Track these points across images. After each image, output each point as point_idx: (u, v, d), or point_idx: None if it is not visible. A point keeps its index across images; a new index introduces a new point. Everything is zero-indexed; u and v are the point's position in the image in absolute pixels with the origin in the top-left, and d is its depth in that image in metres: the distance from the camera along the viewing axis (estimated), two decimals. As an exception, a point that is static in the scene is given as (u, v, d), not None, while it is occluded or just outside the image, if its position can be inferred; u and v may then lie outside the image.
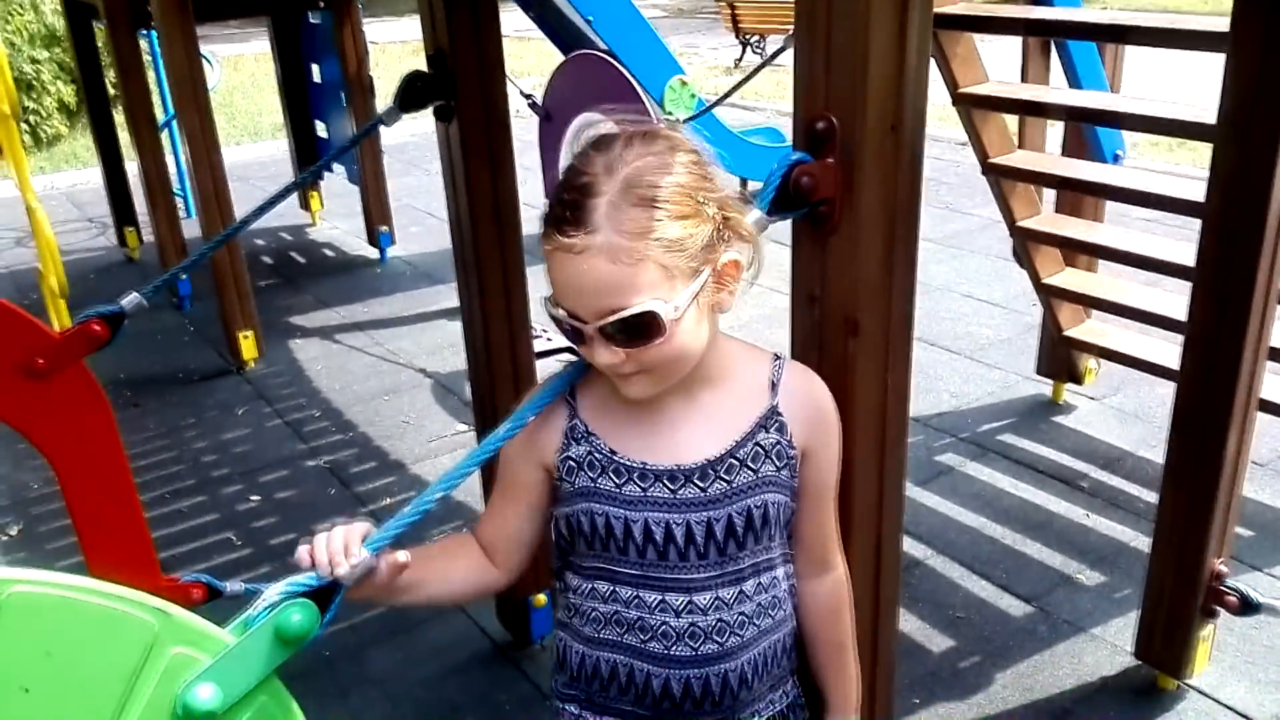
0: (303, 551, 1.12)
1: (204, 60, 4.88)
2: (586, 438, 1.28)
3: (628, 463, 1.27)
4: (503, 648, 2.65)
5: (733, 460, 1.27)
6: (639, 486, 1.26)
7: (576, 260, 1.12)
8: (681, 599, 1.28)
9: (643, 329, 1.14)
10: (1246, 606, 2.24)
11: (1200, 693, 2.38)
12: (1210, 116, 2.06)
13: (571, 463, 1.28)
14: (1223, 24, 2.01)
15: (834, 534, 1.41)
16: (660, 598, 1.28)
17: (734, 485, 1.27)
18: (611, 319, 1.13)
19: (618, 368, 1.18)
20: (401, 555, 1.20)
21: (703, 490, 1.26)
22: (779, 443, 1.30)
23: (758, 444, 1.29)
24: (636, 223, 1.11)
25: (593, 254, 1.11)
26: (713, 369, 1.28)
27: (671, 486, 1.26)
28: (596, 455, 1.27)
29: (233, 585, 2.24)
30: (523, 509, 1.35)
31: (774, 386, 1.31)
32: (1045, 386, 3.81)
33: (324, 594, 1.10)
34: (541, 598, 2.56)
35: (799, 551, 1.39)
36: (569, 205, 1.13)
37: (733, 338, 1.34)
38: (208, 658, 1.05)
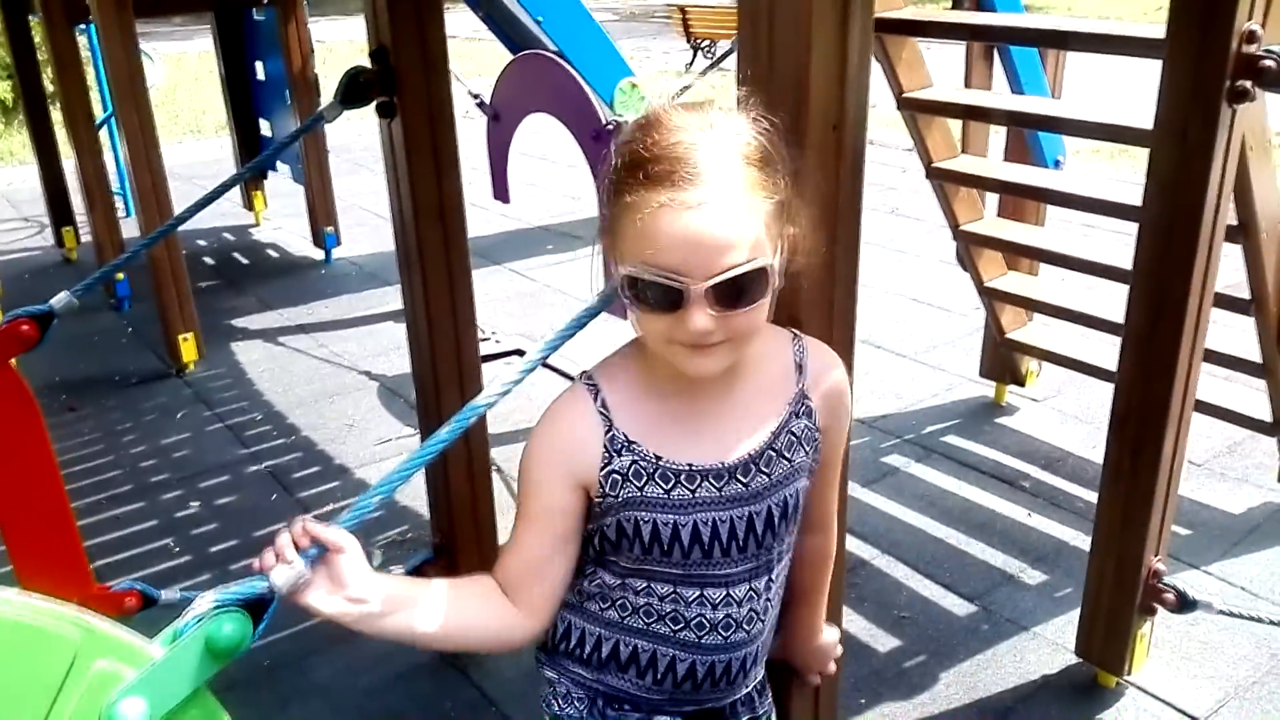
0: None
1: (144, 57, 4.78)
2: (629, 447, 1.23)
3: (674, 466, 1.24)
4: (447, 654, 2.61)
5: (771, 452, 1.28)
6: (687, 489, 1.24)
7: (688, 216, 1.06)
8: (720, 593, 1.29)
9: (752, 288, 1.11)
10: (1184, 604, 2.28)
11: (1139, 689, 2.42)
12: (1148, 122, 2.09)
13: (616, 476, 1.23)
14: (1160, 31, 2.04)
15: (835, 500, 1.46)
16: (699, 593, 1.29)
17: (773, 477, 1.28)
18: (727, 275, 1.08)
19: (709, 336, 1.11)
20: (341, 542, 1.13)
21: (745, 485, 1.26)
22: (808, 427, 1.31)
23: (791, 432, 1.29)
24: (749, 180, 1.10)
25: (707, 209, 1.06)
26: (753, 353, 1.25)
27: (717, 485, 1.25)
28: (641, 464, 1.23)
29: (168, 593, 2.19)
30: (554, 540, 1.26)
31: (800, 368, 1.31)
32: (988, 388, 3.86)
33: (257, 605, 1.07)
34: (487, 602, 2.53)
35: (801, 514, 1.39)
36: (676, 160, 1.08)
37: None
38: (134, 671, 1.02)
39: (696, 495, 1.25)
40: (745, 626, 1.32)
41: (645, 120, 1.14)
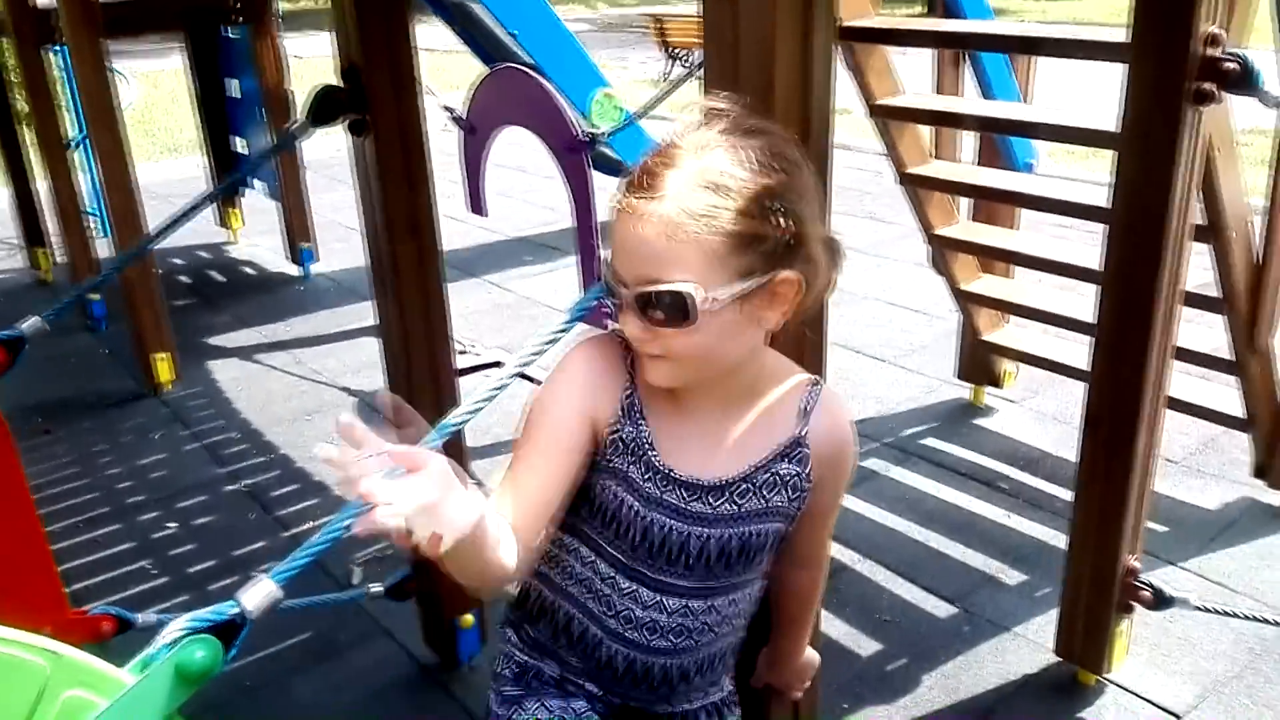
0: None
1: (118, 76, 4.76)
2: (639, 420, 1.26)
3: (657, 461, 1.27)
4: (429, 670, 2.60)
5: (747, 485, 1.28)
6: (658, 488, 1.27)
7: (634, 223, 1.13)
8: (652, 596, 1.31)
9: (673, 309, 1.13)
10: (1160, 601, 2.30)
11: (1119, 687, 2.43)
12: (1115, 125, 2.11)
13: (619, 442, 1.26)
14: (1124, 36, 2.06)
15: (828, 541, 1.48)
16: (634, 588, 1.31)
17: (741, 510, 1.28)
18: (646, 289, 1.13)
19: (644, 345, 1.18)
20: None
21: (711, 508, 1.28)
22: (797, 474, 1.30)
23: (776, 473, 1.29)
24: (700, 204, 1.11)
25: (650, 221, 1.12)
26: (750, 383, 1.28)
27: (685, 497, 1.27)
28: (639, 443, 1.26)
29: (145, 616, 2.17)
30: (563, 469, 1.23)
31: (804, 414, 1.31)
32: (966, 390, 3.88)
33: (228, 629, 1.07)
34: (469, 618, 2.52)
35: (789, 549, 1.40)
36: (647, 170, 1.14)
37: (780, 355, 1.34)
38: (105, 700, 1.01)
39: (663, 498, 1.27)
40: (670, 637, 1.33)
41: (665, 139, 1.19)
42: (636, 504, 1.27)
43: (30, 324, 1.84)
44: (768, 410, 1.29)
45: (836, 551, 2.98)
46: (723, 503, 1.28)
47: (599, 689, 1.40)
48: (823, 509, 1.38)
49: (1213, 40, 1.91)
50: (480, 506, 1.01)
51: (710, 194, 1.11)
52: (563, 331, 1.42)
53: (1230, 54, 1.91)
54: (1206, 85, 1.92)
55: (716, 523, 1.28)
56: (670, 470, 1.26)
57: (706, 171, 1.12)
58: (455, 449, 2.39)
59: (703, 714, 1.45)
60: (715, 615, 1.34)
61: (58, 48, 5.35)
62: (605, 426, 1.26)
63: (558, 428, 1.24)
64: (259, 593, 1.08)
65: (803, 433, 1.30)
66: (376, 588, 2.51)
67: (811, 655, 1.64)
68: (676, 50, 12.94)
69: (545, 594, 1.39)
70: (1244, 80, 1.90)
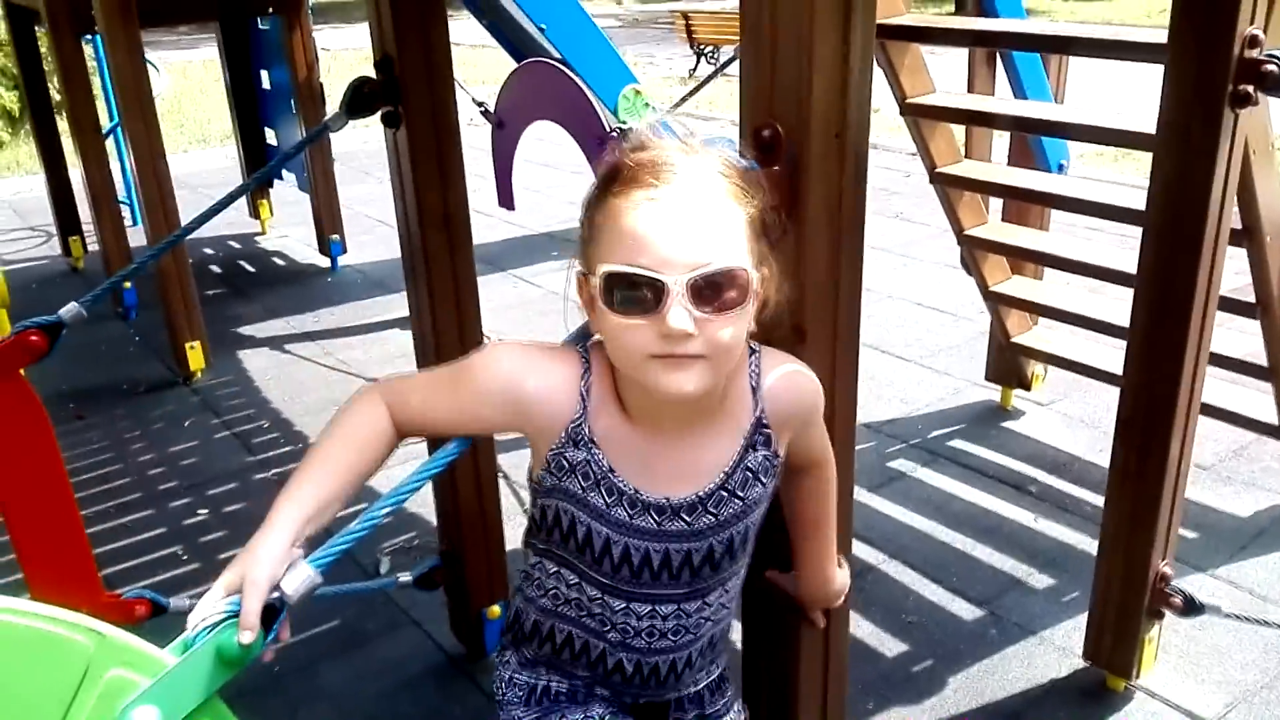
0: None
1: (150, 66, 4.80)
2: (589, 445, 1.21)
3: (621, 485, 1.22)
4: (456, 660, 2.62)
5: (723, 492, 1.25)
6: (627, 512, 1.23)
7: (673, 210, 1.08)
8: (646, 608, 1.30)
9: (731, 290, 1.09)
10: (1191, 608, 2.28)
11: (1148, 693, 2.42)
12: (1151, 126, 2.09)
13: (564, 462, 1.22)
14: (1162, 36, 2.04)
15: (827, 443, 1.41)
16: (625, 605, 1.29)
17: (720, 518, 1.26)
18: (705, 270, 1.07)
19: (685, 344, 1.08)
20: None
21: (689, 525, 1.24)
22: (766, 458, 1.27)
23: (747, 468, 1.26)
24: (731, 188, 1.13)
25: (696, 204, 1.09)
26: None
27: (658, 519, 1.23)
28: (593, 467, 1.21)
29: (178, 601, 2.19)
30: (461, 429, 1.28)
31: (754, 392, 1.26)
32: (994, 392, 3.86)
33: (266, 612, 1.08)
34: (496, 609, 2.54)
35: (788, 469, 1.36)
36: (658, 165, 1.11)
37: None
38: (146, 679, 1.02)
39: (634, 522, 1.23)
40: (670, 637, 1.32)
41: (630, 142, 1.16)
42: (607, 531, 1.23)
43: (68, 310, 1.87)
44: (726, 408, 1.24)
45: (862, 551, 2.98)
46: (699, 516, 1.24)
47: (610, 692, 1.40)
48: (809, 451, 1.36)
49: (1252, 41, 1.89)
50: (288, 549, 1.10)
51: (729, 181, 1.13)
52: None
53: (1271, 55, 1.89)
54: (1245, 87, 1.90)
55: (696, 536, 1.25)
56: (637, 492, 1.22)
57: (716, 161, 1.14)
58: (485, 443, 2.40)
59: (706, 693, 1.46)
60: (709, 608, 1.33)
61: (93, 37, 5.42)
62: (544, 443, 1.22)
63: (480, 393, 1.22)
64: (297, 577, 1.09)
65: (760, 413, 1.25)
66: (405, 577, 2.52)
67: (843, 578, 1.55)
68: (703, 47, 12.92)
69: (539, 617, 1.38)
70: (1285, 82, 1.88)
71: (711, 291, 1.08)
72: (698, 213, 1.09)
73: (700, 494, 1.24)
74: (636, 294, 1.08)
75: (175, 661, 1.03)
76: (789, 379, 1.29)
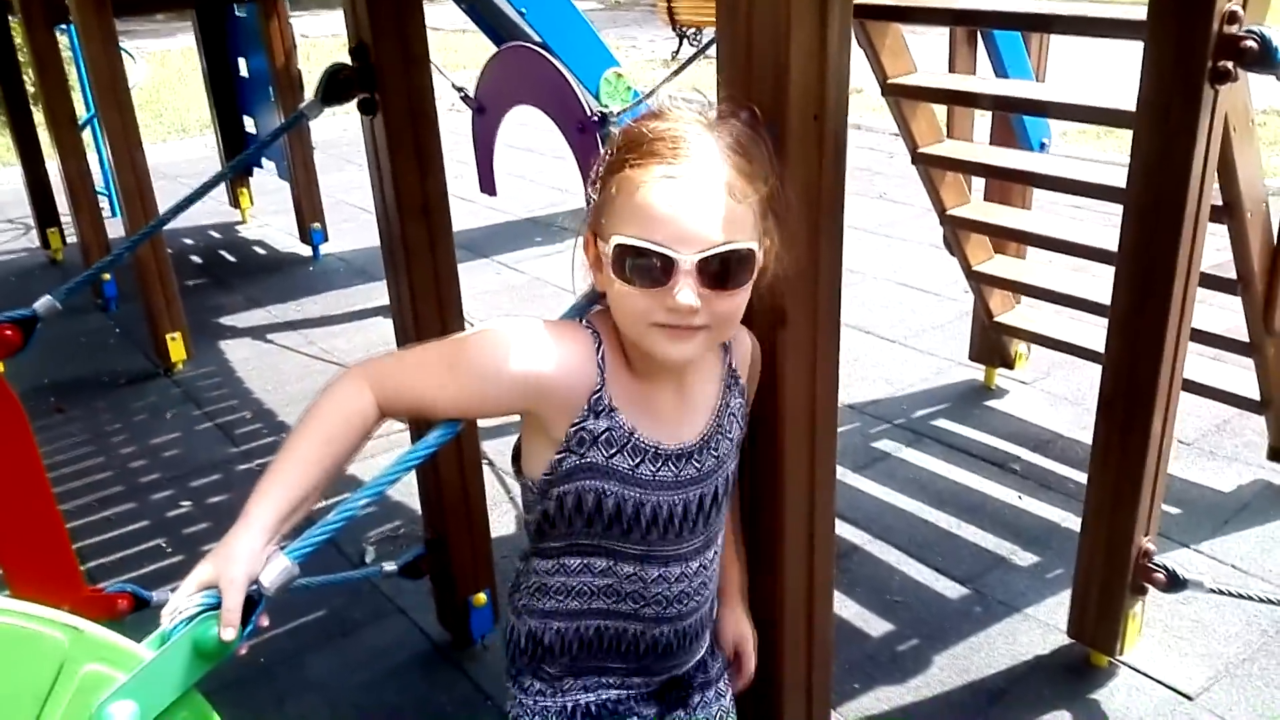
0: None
1: (126, 55, 4.75)
2: (610, 413, 1.22)
3: (644, 443, 1.25)
4: (443, 648, 2.62)
5: (718, 433, 1.31)
6: (651, 468, 1.26)
7: (690, 188, 1.11)
8: (677, 569, 1.33)
9: (739, 269, 1.14)
10: (1174, 583, 2.29)
11: (1132, 668, 2.43)
12: (1132, 104, 2.09)
13: (585, 435, 1.22)
14: (1142, 13, 2.04)
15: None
16: (660, 571, 1.32)
17: (719, 456, 1.32)
18: (716, 250, 1.11)
19: (691, 317, 1.13)
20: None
21: (699, 469, 1.30)
22: (740, 403, 1.35)
23: (730, 410, 1.33)
24: (748, 166, 1.14)
25: (710, 185, 1.11)
26: None
27: (677, 468, 1.28)
28: (616, 432, 1.23)
29: (160, 594, 2.18)
30: (459, 403, 1.22)
31: (724, 345, 1.33)
32: (978, 371, 3.87)
33: (244, 605, 1.07)
34: (482, 597, 2.53)
35: None
36: (677, 139, 1.12)
37: None
38: (123, 674, 1.01)
39: (658, 476, 1.27)
40: (697, 597, 1.37)
41: (650, 110, 1.19)
42: (635, 494, 1.25)
43: (43, 303, 1.85)
44: (706, 357, 1.30)
45: (847, 531, 2.99)
46: (705, 458, 1.30)
47: (642, 679, 1.40)
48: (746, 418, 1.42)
49: (1231, 17, 1.89)
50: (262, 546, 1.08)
51: (746, 160, 1.15)
52: (583, 308, 1.36)
53: (1249, 31, 1.89)
54: (1225, 63, 1.90)
55: (706, 479, 1.31)
56: (658, 445, 1.26)
57: (733, 139, 1.16)
58: (469, 430, 2.40)
59: (708, 656, 1.48)
60: (714, 561, 1.39)
61: (67, 27, 5.36)
62: (562, 421, 1.22)
63: (489, 373, 1.19)
64: (275, 569, 1.08)
65: (731, 362, 1.34)
66: (390, 566, 2.52)
67: (747, 624, 1.56)
68: (685, 29, 12.86)
69: (560, 626, 1.35)
70: (1263, 58, 1.88)
71: (720, 270, 1.12)
72: (712, 193, 1.12)
73: (703, 436, 1.30)
74: (647, 265, 1.12)
75: (152, 656, 1.02)
76: (742, 331, 1.37)
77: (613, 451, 1.24)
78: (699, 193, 1.11)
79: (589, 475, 1.24)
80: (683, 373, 1.27)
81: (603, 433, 1.23)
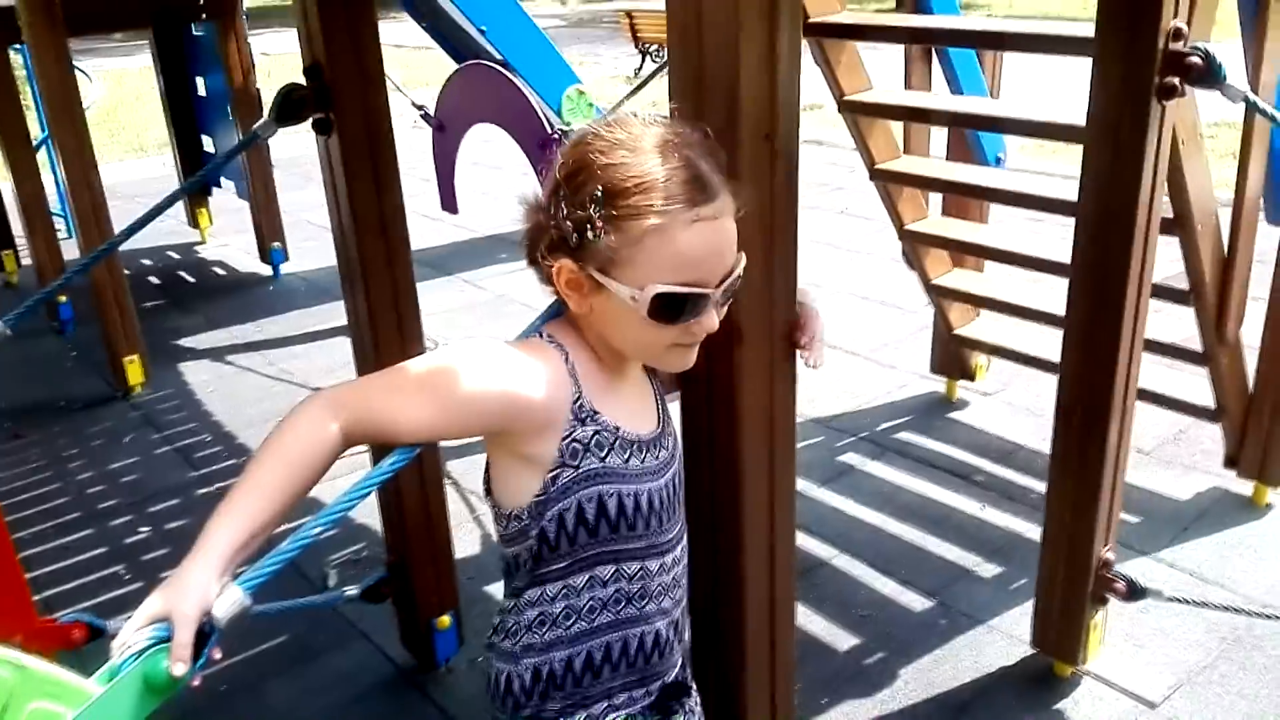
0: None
1: (82, 75, 4.70)
2: (593, 417, 1.24)
3: (627, 437, 1.28)
4: (406, 672, 2.59)
5: (664, 413, 1.37)
6: (638, 459, 1.29)
7: (716, 227, 1.17)
8: (670, 556, 1.36)
9: (738, 281, 1.22)
10: (1134, 592, 2.32)
11: (1095, 678, 2.45)
12: (1083, 119, 2.12)
13: (577, 445, 1.23)
14: (1091, 30, 2.07)
15: None
16: (660, 562, 1.34)
17: (674, 436, 1.38)
18: (734, 276, 1.21)
19: (700, 337, 1.22)
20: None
21: (669, 451, 1.35)
22: (659, 380, 1.41)
23: (659, 394, 1.39)
24: (732, 185, 1.21)
25: (725, 218, 1.18)
26: None
27: (655, 454, 1.31)
28: (603, 434, 1.25)
29: (116, 623, 2.13)
30: (435, 427, 1.21)
31: None
32: (939, 384, 3.90)
33: (196, 638, 1.05)
34: (446, 619, 2.51)
35: None
36: (703, 180, 1.16)
37: None
38: (70, 710, 0.99)
39: (646, 466, 1.30)
40: (683, 580, 1.41)
41: (630, 144, 1.15)
42: (633, 488, 1.28)
43: (-8, 329, 1.82)
44: None
45: (813, 546, 2.99)
46: (666, 438, 1.35)
47: (643, 689, 1.38)
48: None
49: (1176, 34, 1.92)
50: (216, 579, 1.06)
51: (729, 178, 1.21)
52: (538, 325, 1.35)
53: (1194, 48, 1.92)
54: (1171, 79, 1.94)
55: (672, 461, 1.36)
56: (638, 437, 1.29)
57: (718, 159, 1.20)
58: (430, 450, 2.38)
59: (684, 657, 1.48)
60: (687, 539, 1.43)
61: (21, 47, 5.28)
62: (550, 438, 1.21)
63: (467, 412, 1.19)
64: (226, 600, 1.06)
65: None
66: (352, 590, 2.49)
67: None
68: (648, 46, 12.93)
69: (570, 652, 1.33)
70: (1207, 74, 1.91)
71: (732, 289, 1.22)
72: (730, 224, 1.19)
73: (658, 418, 1.35)
74: (684, 306, 1.17)
75: (100, 691, 1.00)
76: None
77: (605, 452, 1.25)
78: (725, 228, 1.18)
79: (588, 483, 1.25)
80: (633, 365, 1.33)
81: (591, 438, 1.24)
